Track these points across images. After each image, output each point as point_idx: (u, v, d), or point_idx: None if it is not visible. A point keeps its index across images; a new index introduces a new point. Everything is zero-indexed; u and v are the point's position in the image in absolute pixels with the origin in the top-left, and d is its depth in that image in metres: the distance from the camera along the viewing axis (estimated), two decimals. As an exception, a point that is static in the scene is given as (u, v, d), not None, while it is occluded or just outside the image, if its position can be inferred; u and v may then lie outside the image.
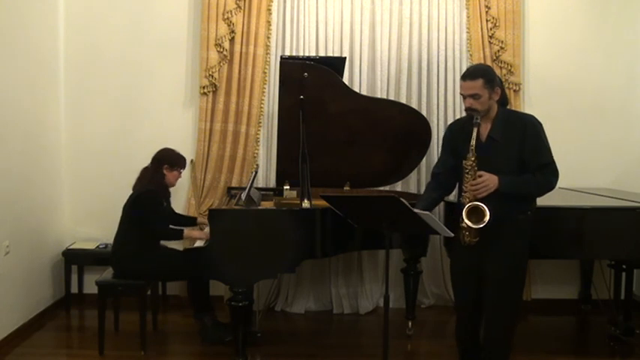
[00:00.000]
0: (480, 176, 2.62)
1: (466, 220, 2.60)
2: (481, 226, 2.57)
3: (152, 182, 3.55)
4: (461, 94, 2.74)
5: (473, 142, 2.63)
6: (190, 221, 3.90)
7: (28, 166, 3.85)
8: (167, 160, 3.61)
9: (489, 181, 2.61)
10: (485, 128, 2.73)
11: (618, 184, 4.38)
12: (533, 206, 2.81)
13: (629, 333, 3.71)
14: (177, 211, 4.01)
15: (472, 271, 2.80)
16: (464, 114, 4.26)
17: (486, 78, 2.66)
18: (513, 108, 4.25)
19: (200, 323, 3.69)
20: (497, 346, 2.84)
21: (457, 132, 2.89)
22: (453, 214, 3.52)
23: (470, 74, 2.70)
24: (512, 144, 2.68)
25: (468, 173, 2.66)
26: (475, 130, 2.64)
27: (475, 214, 2.59)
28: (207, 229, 3.61)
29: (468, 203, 2.63)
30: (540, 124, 2.75)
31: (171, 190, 3.76)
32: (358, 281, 4.43)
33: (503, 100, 2.78)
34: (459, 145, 2.80)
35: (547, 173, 2.69)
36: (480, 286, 2.80)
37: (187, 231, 3.66)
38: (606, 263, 3.97)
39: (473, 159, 2.64)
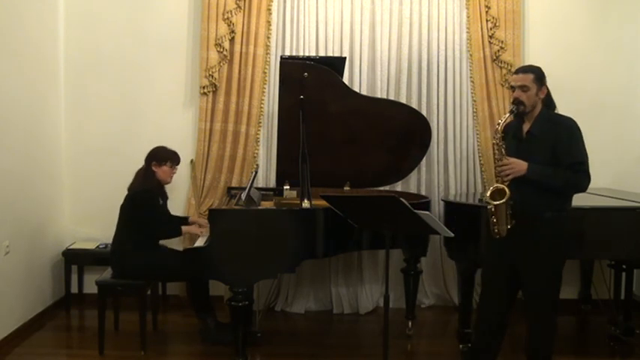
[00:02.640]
0: (507, 159, 2.72)
1: (489, 200, 2.70)
2: (502, 201, 2.65)
3: (145, 181, 3.54)
4: (511, 86, 2.86)
5: (501, 123, 2.73)
6: (183, 222, 3.84)
7: (28, 166, 3.85)
8: (154, 157, 3.60)
9: (515, 164, 2.70)
10: (528, 125, 2.83)
11: (618, 184, 4.36)
12: (567, 206, 2.84)
13: (629, 333, 3.71)
14: (177, 211, 4.01)
15: (504, 270, 2.86)
16: (464, 114, 4.36)
17: (537, 75, 2.78)
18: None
19: (203, 323, 3.68)
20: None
21: (506, 132, 2.92)
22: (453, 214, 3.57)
23: (522, 69, 2.86)
24: (549, 141, 2.76)
25: (495, 155, 2.77)
26: (508, 115, 2.75)
27: (498, 195, 2.69)
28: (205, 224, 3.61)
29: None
30: (577, 127, 2.81)
31: (171, 190, 3.74)
32: (358, 281, 4.43)
33: (549, 104, 2.86)
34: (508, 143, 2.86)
35: (578, 171, 2.75)
36: (513, 284, 2.89)
37: (185, 227, 3.65)
38: (606, 263, 3.97)
39: (498, 137, 2.73)
